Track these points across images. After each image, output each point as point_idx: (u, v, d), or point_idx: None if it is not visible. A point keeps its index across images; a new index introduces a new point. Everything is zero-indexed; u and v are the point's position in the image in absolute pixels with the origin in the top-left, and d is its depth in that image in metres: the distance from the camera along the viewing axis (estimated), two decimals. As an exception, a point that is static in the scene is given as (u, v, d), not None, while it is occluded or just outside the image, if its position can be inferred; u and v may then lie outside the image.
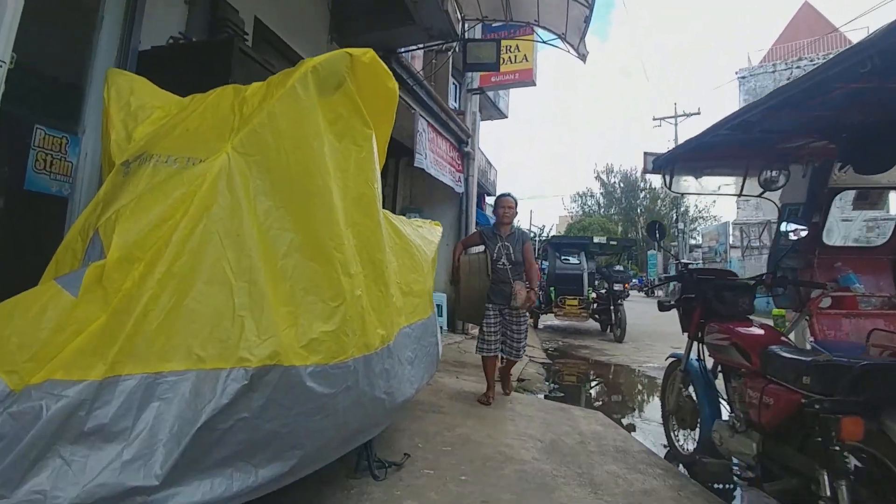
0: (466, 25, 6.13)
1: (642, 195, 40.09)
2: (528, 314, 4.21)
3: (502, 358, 4.12)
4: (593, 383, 6.08)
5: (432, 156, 6.31)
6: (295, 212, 1.70)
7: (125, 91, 1.87)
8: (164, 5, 3.26)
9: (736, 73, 24.93)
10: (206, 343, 1.44)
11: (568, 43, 5.67)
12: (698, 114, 28.00)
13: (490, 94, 10.57)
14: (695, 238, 31.48)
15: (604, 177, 43.34)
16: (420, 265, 2.81)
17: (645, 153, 4.61)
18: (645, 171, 4.71)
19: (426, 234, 3.15)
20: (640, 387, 6.00)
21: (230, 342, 1.47)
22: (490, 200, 10.25)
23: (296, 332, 1.63)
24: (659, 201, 38.01)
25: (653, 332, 9.82)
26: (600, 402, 5.06)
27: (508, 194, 4.23)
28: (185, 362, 1.41)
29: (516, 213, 4.23)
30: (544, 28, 5.94)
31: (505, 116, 12.59)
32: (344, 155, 1.85)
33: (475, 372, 5.02)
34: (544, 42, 6.24)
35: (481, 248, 4.14)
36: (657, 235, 3.65)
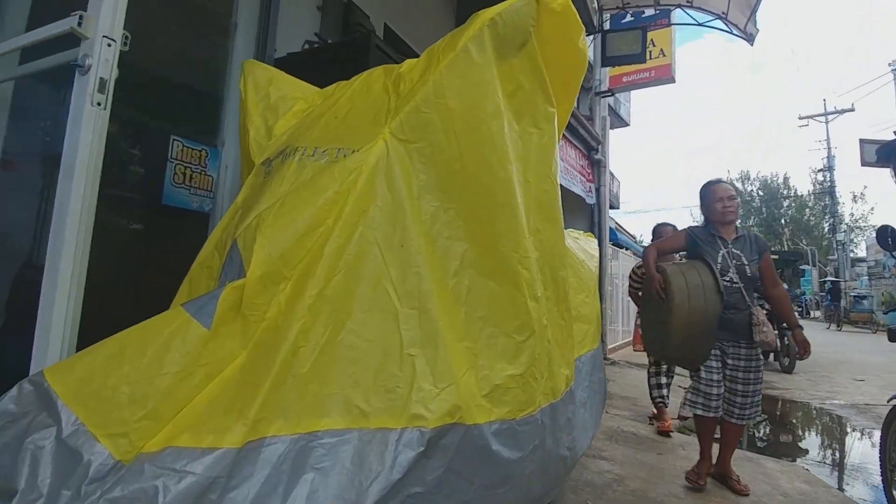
0: (605, 15, 5.54)
1: (786, 204, 35.23)
2: (762, 358, 2.72)
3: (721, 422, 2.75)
4: (771, 424, 5.02)
5: (562, 164, 5.76)
6: (469, 214, 1.27)
7: (263, 82, 1.62)
8: (297, 13, 3.15)
9: (889, 65, 21.53)
10: (370, 392, 1.06)
11: (730, 23, 4.83)
12: (852, 110, 24.41)
13: (610, 100, 9.76)
14: (855, 251, 26.87)
15: (739, 184, 38.82)
16: (586, 284, 2.29)
17: (862, 141, 3.65)
18: (864, 162, 3.73)
19: (585, 247, 2.62)
20: (829, 429, 4.82)
21: (399, 392, 1.07)
22: (613, 214, 9.34)
23: (476, 377, 1.20)
24: (807, 210, 33.17)
25: (826, 361, 8.17)
26: (789, 448, 4.07)
27: (720, 180, 2.97)
28: (345, 418, 1.02)
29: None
30: (699, 9, 5.14)
31: (626, 124, 11.55)
32: (524, 140, 1.40)
33: (624, 405, 4.31)
34: (699, 25, 5.42)
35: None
36: (890, 244, 2.78)
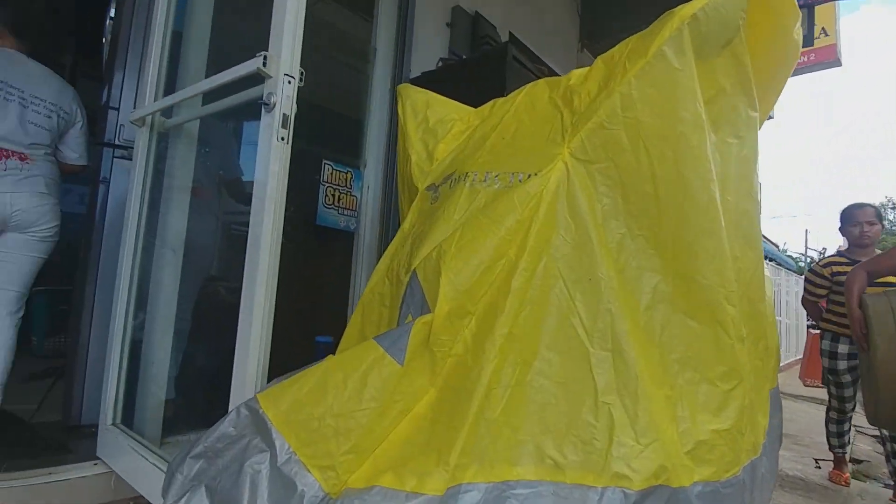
0: None
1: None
2: None
3: None
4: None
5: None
6: (661, 243, 1.12)
7: (421, 106, 1.61)
8: (427, 32, 3.20)
9: None
10: (563, 442, 0.96)
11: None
12: None
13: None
14: None
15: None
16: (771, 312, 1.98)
17: None
18: None
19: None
20: None
21: (597, 445, 0.95)
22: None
23: (678, 431, 1.04)
24: None
25: None
26: None
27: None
28: (538, 468, 0.94)
29: None
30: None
31: (770, 117, 10.30)
32: (722, 153, 1.22)
33: (785, 442, 3.74)
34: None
35: None
36: None
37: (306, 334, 1.96)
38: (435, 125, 1.55)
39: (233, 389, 1.23)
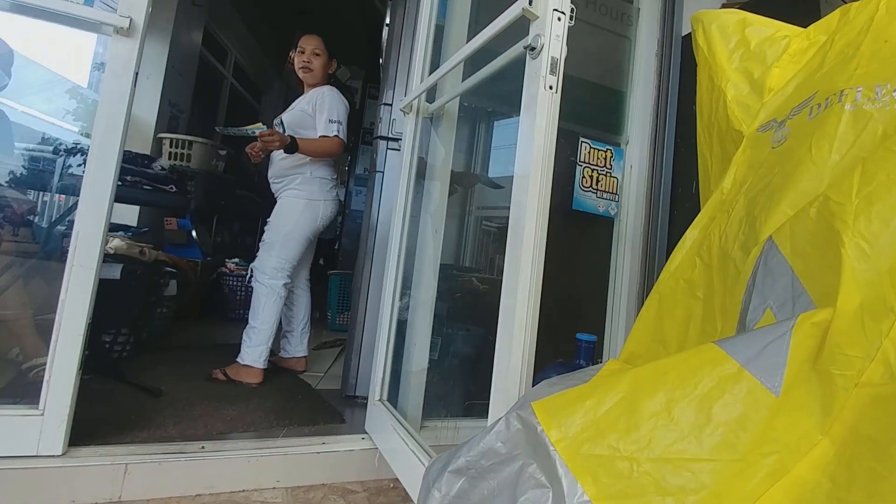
0: None
1: None
2: None
3: None
4: None
5: None
6: None
7: (734, 26, 1.17)
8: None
9: None
10: None
11: None
12: None
13: None
14: None
15: None
16: None
17: None
18: None
19: None
20: None
21: None
22: None
23: None
24: None
25: None
26: None
27: None
28: None
29: None
30: None
31: None
32: None
33: None
34: None
35: None
36: None
37: (565, 329, 1.72)
38: (760, 46, 1.10)
39: (494, 384, 1.06)
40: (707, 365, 0.64)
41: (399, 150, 2.25)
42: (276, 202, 2.42)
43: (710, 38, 1.20)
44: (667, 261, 1.00)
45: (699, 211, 2.03)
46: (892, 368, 0.55)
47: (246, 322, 2.32)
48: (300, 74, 2.45)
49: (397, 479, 1.58)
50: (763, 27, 1.14)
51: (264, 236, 2.35)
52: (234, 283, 3.69)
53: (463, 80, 1.77)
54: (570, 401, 0.69)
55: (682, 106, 2.31)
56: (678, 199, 2.21)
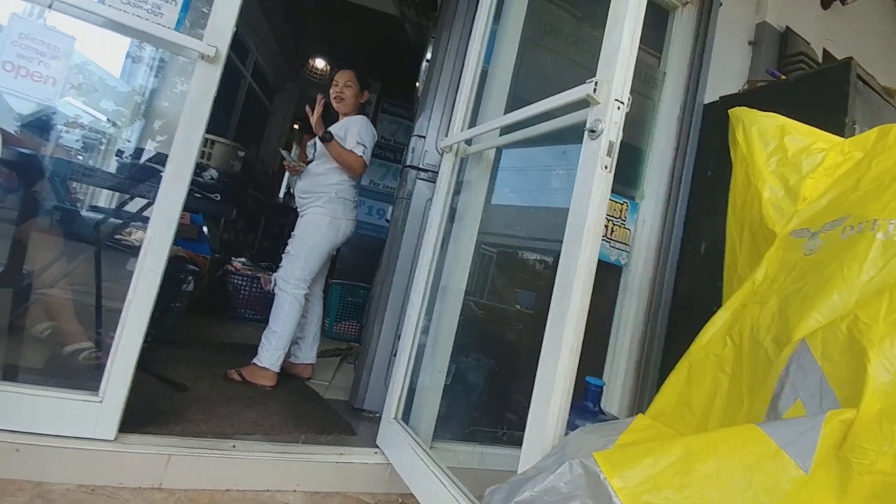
0: None
1: None
2: None
3: None
4: None
5: None
6: None
7: (773, 132, 1.33)
8: (727, 52, 2.82)
9: None
10: None
11: None
12: None
13: None
14: None
15: None
16: None
17: None
18: None
19: None
20: None
21: None
22: None
23: None
24: None
25: None
26: None
27: None
28: None
29: None
30: None
31: None
32: None
33: None
34: None
35: None
36: None
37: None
38: (797, 156, 1.25)
39: (529, 426, 1.17)
40: (751, 443, 0.77)
41: (427, 179, 2.39)
42: (289, 210, 2.57)
43: (749, 138, 1.36)
44: (698, 335, 1.14)
45: (706, 271, 2.22)
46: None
47: (249, 321, 2.41)
48: (334, 105, 2.65)
49: (407, 494, 1.68)
50: (801, 137, 1.30)
51: (289, 248, 2.48)
52: (239, 281, 3.73)
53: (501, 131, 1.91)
54: (631, 456, 0.81)
55: (697, 170, 2.49)
56: (686, 256, 2.38)
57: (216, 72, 1.46)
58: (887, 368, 0.74)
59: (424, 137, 2.41)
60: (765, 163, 1.28)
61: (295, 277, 2.38)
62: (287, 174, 2.68)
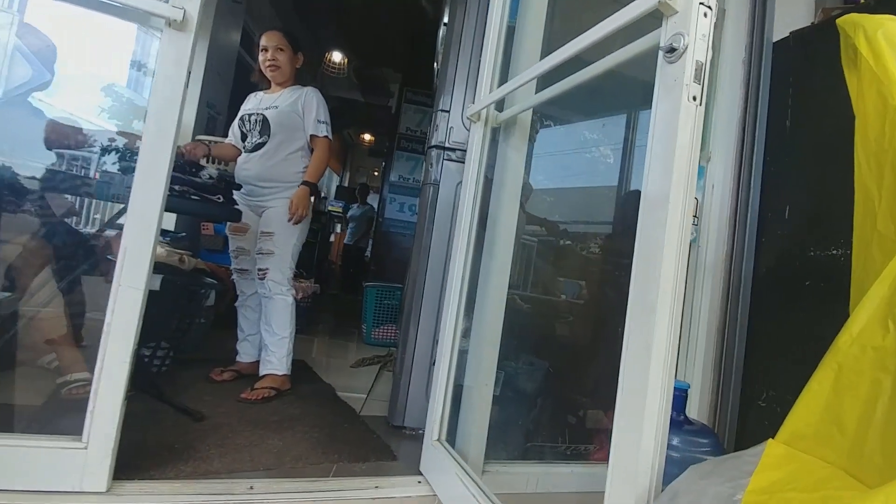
0: None
1: None
2: None
3: None
4: None
5: None
6: None
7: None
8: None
9: None
10: None
11: None
12: None
13: None
14: None
15: None
16: None
17: None
18: None
19: None
20: None
21: None
22: None
23: None
24: None
25: None
26: None
27: None
28: None
29: None
30: None
31: None
32: None
33: None
34: None
35: None
36: None
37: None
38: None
39: (613, 463, 0.87)
40: None
41: (456, 160, 2.10)
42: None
43: (876, 48, 1.00)
44: (846, 322, 0.80)
45: (793, 239, 1.82)
46: None
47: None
48: (268, 74, 2.41)
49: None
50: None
51: (269, 247, 2.24)
52: (268, 290, 3.57)
53: (538, 87, 1.60)
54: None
55: (772, 120, 2.09)
56: (767, 225, 1.98)
57: (187, 41, 1.21)
58: None
59: (448, 112, 2.13)
60: (903, 72, 0.92)
61: (288, 278, 2.28)
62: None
